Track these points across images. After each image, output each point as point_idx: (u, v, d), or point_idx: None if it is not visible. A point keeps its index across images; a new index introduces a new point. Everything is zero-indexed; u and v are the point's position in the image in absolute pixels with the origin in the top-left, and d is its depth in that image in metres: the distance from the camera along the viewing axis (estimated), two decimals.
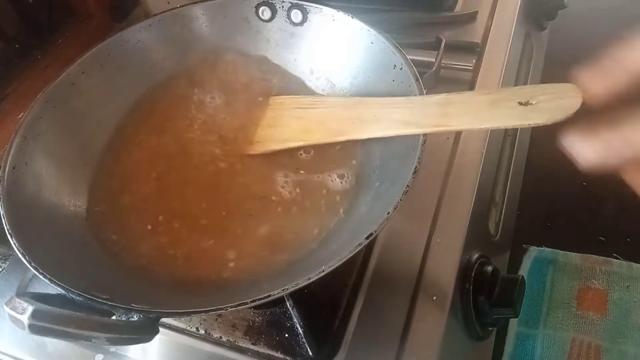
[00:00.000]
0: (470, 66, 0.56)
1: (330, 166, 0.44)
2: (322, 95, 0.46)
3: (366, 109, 0.42)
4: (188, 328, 0.42)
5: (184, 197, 0.44)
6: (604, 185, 0.56)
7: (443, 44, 0.54)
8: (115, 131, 0.48)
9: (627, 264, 0.59)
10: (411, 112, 0.39)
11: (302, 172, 0.44)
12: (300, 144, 0.44)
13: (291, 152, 0.44)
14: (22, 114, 0.42)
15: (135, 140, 0.48)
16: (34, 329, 0.28)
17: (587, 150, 0.28)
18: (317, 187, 0.43)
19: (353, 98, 0.45)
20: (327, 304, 0.41)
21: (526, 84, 0.71)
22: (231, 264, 0.40)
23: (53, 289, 0.32)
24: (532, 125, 0.34)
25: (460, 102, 0.38)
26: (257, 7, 0.49)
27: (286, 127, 0.45)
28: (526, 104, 0.34)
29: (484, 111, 0.36)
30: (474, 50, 0.58)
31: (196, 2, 0.50)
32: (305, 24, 0.49)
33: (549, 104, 0.34)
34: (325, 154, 0.44)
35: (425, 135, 0.37)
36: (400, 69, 0.42)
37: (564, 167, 0.70)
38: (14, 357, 0.44)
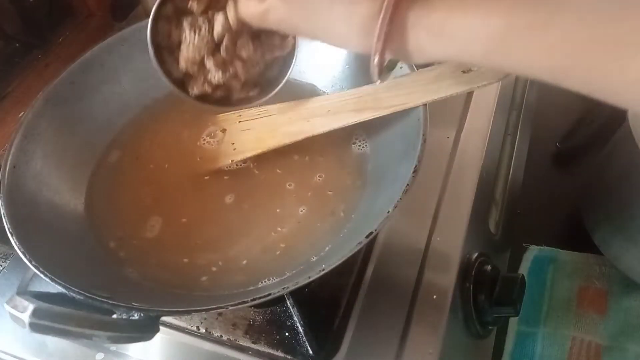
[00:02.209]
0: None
1: (331, 166, 0.44)
2: (267, 105, 0.46)
3: (318, 107, 0.43)
4: (189, 327, 0.42)
5: (184, 198, 0.44)
6: None
7: None
8: (115, 130, 0.48)
9: None
10: (364, 100, 0.41)
11: (300, 174, 0.44)
12: (258, 152, 0.44)
13: (286, 157, 0.45)
14: (22, 113, 0.42)
15: (135, 139, 0.48)
16: (34, 327, 0.28)
17: None
18: (318, 188, 0.43)
19: (300, 100, 0.45)
20: (327, 302, 0.41)
21: (527, 82, 0.71)
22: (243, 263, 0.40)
23: (53, 288, 0.32)
24: (479, 87, 0.38)
25: (409, 82, 0.40)
26: None
27: (237, 141, 0.46)
28: (468, 71, 0.38)
29: (432, 84, 0.39)
30: None
31: None
32: None
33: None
34: (321, 157, 0.45)
35: (424, 134, 0.37)
36: (401, 67, 0.42)
37: (564, 166, 0.70)
38: (14, 356, 0.44)
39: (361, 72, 0.47)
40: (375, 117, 0.40)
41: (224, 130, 0.46)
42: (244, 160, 0.45)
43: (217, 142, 0.46)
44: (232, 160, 0.45)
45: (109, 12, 0.70)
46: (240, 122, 0.46)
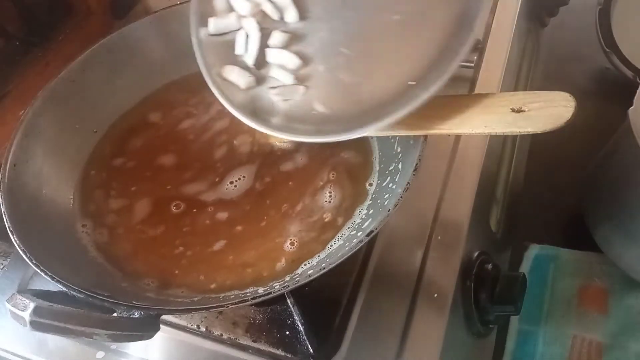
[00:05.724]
0: (472, 63, 0.55)
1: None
2: None
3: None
4: (189, 325, 0.42)
5: (186, 197, 0.44)
6: None
7: None
8: (115, 129, 0.48)
9: None
10: (414, 113, 0.37)
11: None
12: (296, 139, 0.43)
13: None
14: (22, 111, 0.42)
15: (136, 138, 0.48)
16: (35, 325, 0.28)
17: None
18: (320, 187, 0.43)
19: None
20: (328, 301, 0.41)
21: (528, 81, 0.70)
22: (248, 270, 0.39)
23: (54, 286, 0.32)
24: (521, 133, 0.34)
25: (454, 105, 0.37)
26: None
27: None
28: (518, 110, 0.34)
29: (476, 115, 0.35)
30: (475, 47, 0.58)
31: None
32: None
33: (541, 112, 0.33)
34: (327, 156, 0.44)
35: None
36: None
37: (565, 164, 0.70)
38: (15, 354, 0.44)
39: None
40: (406, 135, 0.38)
41: None
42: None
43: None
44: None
45: (108, 10, 0.70)
46: None
